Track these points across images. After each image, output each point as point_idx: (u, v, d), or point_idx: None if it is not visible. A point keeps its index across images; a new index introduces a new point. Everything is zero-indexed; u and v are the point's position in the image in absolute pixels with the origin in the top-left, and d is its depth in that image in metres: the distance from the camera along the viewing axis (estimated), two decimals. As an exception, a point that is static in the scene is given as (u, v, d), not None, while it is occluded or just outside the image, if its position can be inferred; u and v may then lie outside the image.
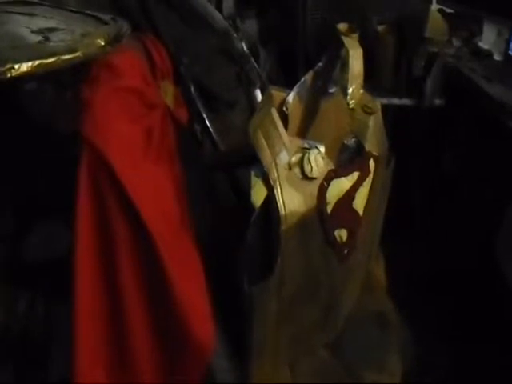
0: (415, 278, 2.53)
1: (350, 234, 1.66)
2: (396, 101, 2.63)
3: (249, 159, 1.67)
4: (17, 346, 1.88)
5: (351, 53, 1.79)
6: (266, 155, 1.51)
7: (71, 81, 1.70)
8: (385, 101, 2.01)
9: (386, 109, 1.86)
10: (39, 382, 1.85)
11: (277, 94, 1.72)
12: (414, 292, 2.42)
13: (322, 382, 1.80)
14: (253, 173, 1.73)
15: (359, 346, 1.88)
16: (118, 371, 1.62)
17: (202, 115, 1.92)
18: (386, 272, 2.03)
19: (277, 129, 1.53)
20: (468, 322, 2.41)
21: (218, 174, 1.94)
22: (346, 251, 1.67)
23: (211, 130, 1.93)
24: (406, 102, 2.66)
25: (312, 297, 1.68)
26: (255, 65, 2.16)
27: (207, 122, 1.93)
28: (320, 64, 1.85)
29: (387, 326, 1.97)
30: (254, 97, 2.14)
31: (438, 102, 2.66)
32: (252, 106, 2.10)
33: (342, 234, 1.64)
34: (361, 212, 1.70)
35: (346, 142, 1.73)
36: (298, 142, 1.56)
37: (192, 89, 1.92)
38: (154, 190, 1.58)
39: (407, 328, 2.03)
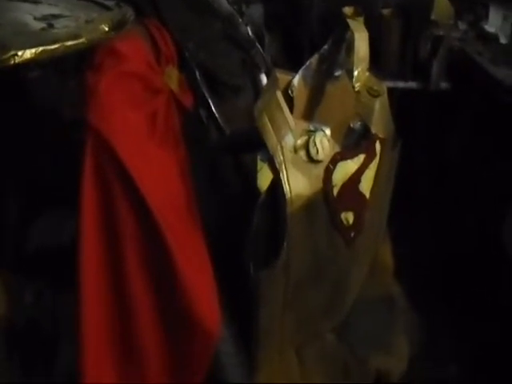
0: (421, 261, 2.53)
1: (357, 217, 1.66)
2: (402, 84, 2.62)
3: (254, 144, 1.66)
4: (23, 338, 1.88)
5: (357, 35, 1.78)
6: (271, 138, 1.50)
7: (75, 67, 1.70)
8: (390, 84, 1.99)
9: (391, 92, 1.85)
10: (46, 374, 1.85)
11: (282, 77, 1.72)
12: (420, 275, 2.42)
13: (328, 367, 1.81)
14: (259, 157, 1.72)
15: (366, 330, 1.88)
16: (124, 357, 1.62)
17: (207, 100, 1.91)
18: (392, 255, 2.03)
19: (282, 112, 1.52)
20: (475, 305, 2.40)
21: (224, 159, 1.94)
22: (352, 234, 1.67)
23: (216, 114, 1.93)
24: (411, 85, 2.65)
25: (318, 281, 1.68)
26: (260, 49, 2.15)
27: (212, 106, 1.92)
28: (325, 47, 1.85)
29: (394, 310, 1.97)
30: (259, 81, 2.12)
31: (443, 85, 2.65)
32: (257, 91, 2.09)
33: (348, 217, 1.64)
34: (367, 195, 1.69)
35: (351, 124, 1.72)
36: (304, 125, 1.55)
37: (197, 74, 1.91)
38: (160, 174, 1.58)
39: (414, 311, 2.03)
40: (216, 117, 1.93)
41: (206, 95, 1.93)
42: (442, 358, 2.27)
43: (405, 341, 1.95)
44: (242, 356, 1.67)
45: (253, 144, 1.67)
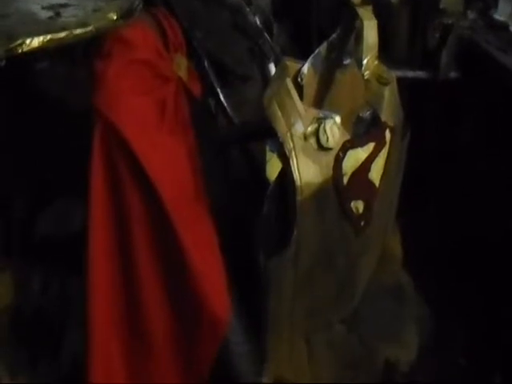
0: (431, 250, 2.52)
1: (367, 206, 1.65)
2: (410, 73, 2.60)
3: (263, 133, 1.66)
4: (31, 325, 1.88)
5: (366, 23, 1.77)
6: (281, 125, 1.49)
7: (83, 57, 1.70)
8: (399, 73, 1.97)
9: (400, 81, 1.84)
10: (53, 361, 1.86)
11: (292, 64, 1.70)
12: (429, 265, 2.41)
13: (337, 357, 1.80)
14: (268, 147, 1.72)
15: (375, 320, 1.87)
16: (133, 345, 1.63)
17: (215, 89, 1.91)
18: (401, 244, 2.02)
19: (292, 99, 1.52)
20: (485, 295, 2.39)
21: (233, 148, 1.93)
22: (362, 223, 1.66)
23: (225, 104, 1.92)
24: (420, 74, 2.63)
25: (328, 269, 1.67)
26: (268, 38, 2.14)
27: (221, 96, 1.92)
28: (334, 35, 1.83)
29: (403, 299, 1.97)
30: (267, 71, 2.12)
31: (452, 74, 2.63)
32: (265, 80, 2.08)
33: (358, 206, 1.63)
34: (377, 183, 1.68)
35: (361, 113, 1.71)
36: (314, 112, 1.54)
37: (205, 63, 1.91)
38: (168, 161, 1.58)
39: (423, 301, 2.03)
40: (224, 106, 1.93)
41: (215, 84, 1.92)
42: (452, 348, 2.26)
43: (414, 330, 1.94)
44: (252, 345, 1.67)
45: (262, 133, 1.67)
